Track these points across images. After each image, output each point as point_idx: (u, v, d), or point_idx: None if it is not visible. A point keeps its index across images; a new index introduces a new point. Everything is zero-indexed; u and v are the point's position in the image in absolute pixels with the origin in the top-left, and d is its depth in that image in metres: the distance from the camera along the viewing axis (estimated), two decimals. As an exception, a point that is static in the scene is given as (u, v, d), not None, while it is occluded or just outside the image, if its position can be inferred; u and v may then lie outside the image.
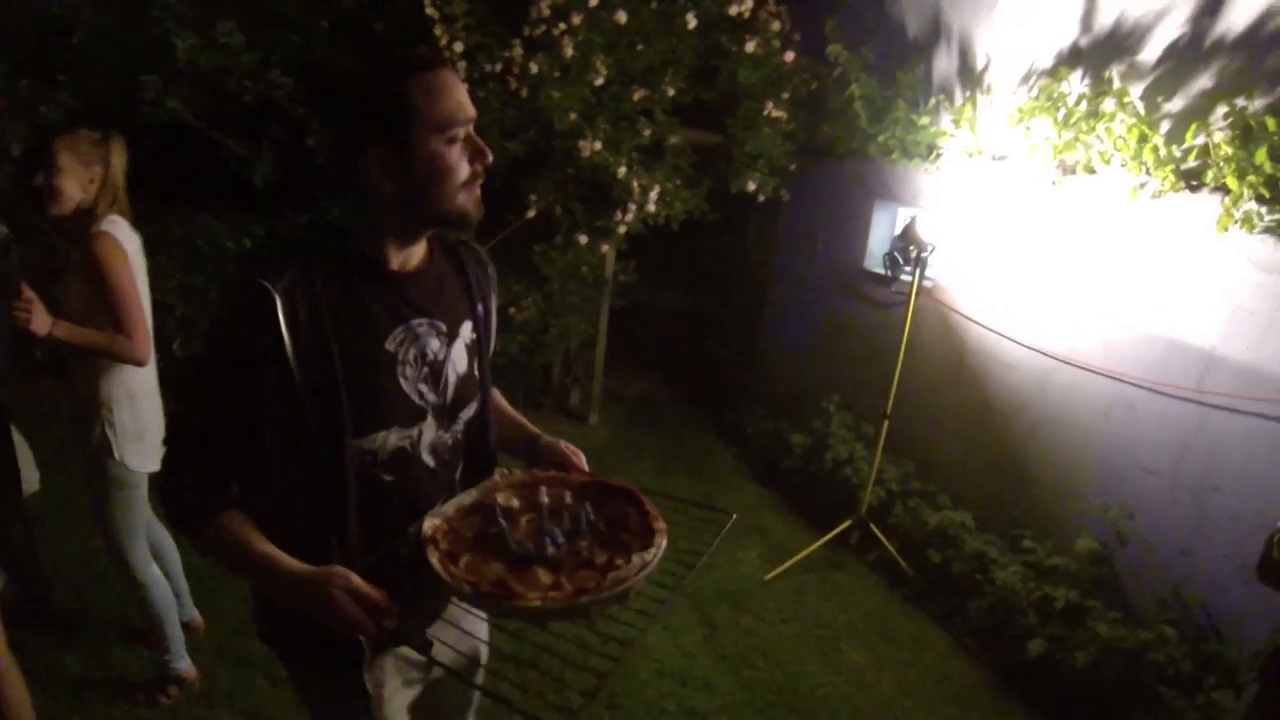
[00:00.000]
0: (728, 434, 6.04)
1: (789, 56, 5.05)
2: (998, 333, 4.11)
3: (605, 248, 5.49)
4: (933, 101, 4.39)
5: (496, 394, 1.71)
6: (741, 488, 5.26)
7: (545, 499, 1.47)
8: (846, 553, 4.37)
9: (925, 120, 4.33)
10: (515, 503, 1.47)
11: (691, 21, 4.92)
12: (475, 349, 1.52)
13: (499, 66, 4.83)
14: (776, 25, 5.02)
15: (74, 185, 2.42)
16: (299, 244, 1.33)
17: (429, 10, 4.67)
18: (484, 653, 1.75)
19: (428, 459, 1.44)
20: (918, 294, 4.08)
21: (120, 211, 2.52)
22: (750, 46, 5.05)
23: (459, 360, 1.47)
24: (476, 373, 1.53)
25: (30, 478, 2.88)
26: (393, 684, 1.49)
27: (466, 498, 1.45)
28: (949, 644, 3.67)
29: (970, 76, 4.29)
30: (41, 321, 2.30)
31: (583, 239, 5.37)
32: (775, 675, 3.39)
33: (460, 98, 1.30)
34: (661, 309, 6.85)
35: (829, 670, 3.45)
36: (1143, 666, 2.95)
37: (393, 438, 1.37)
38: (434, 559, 1.28)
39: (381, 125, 1.26)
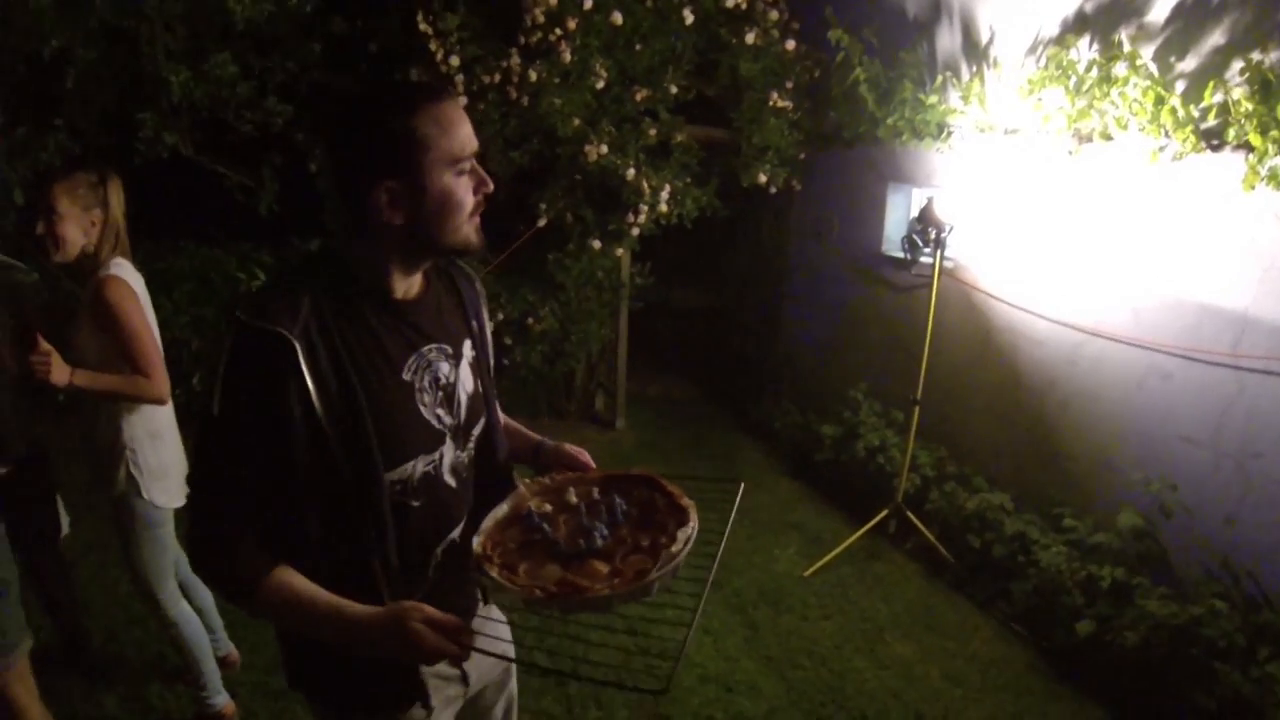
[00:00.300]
0: (755, 430, 6.00)
1: (790, 45, 5.01)
2: (1023, 309, 4.04)
3: (619, 251, 5.47)
4: (939, 79, 4.32)
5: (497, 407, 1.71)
6: (774, 483, 5.21)
7: (575, 498, 1.51)
8: (885, 542, 4.32)
9: (933, 99, 4.26)
10: (547, 507, 1.50)
11: (689, 17, 4.89)
12: (477, 366, 1.53)
13: (497, 77, 4.83)
14: (775, 15, 4.98)
15: (76, 230, 2.41)
16: (304, 281, 1.30)
17: (422, 26, 4.68)
18: (511, 683, 1.77)
19: (450, 480, 1.45)
20: (939, 275, 4.01)
21: (122, 252, 2.51)
22: (750, 38, 5.01)
23: (466, 380, 1.49)
24: (481, 389, 1.54)
25: (61, 522, 2.90)
26: (439, 699, 1.50)
27: (499, 512, 1.47)
28: (995, 629, 3.61)
29: (975, 51, 4.21)
30: (60, 373, 2.30)
31: (596, 244, 5.36)
32: (821, 674, 3.35)
33: (468, 129, 1.30)
34: (679, 308, 6.83)
35: (875, 665, 3.40)
36: (1195, 642, 2.87)
37: (419, 465, 1.38)
38: (494, 573, 1.30)
39: (393, 159, 1.25)
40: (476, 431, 1.53)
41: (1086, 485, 3.73)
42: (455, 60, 4.73)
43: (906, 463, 4.20)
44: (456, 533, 1.51)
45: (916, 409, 4.11)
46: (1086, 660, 3.20)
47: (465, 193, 1.30)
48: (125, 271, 2.47)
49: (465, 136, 1.29)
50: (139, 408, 2.50)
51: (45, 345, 2.29)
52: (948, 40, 4.38)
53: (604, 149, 4.97)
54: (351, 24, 4.92)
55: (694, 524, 1.38)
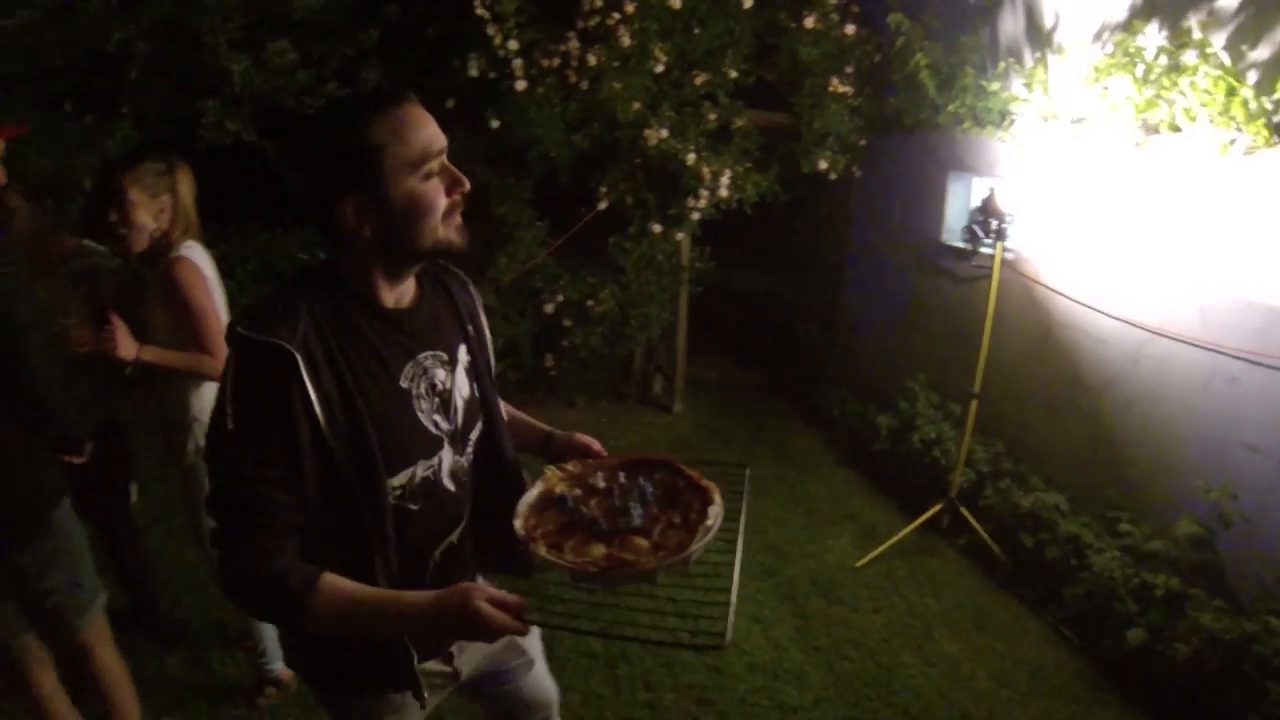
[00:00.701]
0: (812, 417, 5.98)
1: (850, 29, 4.90)
2: (1086, 305, 3.92)
3: (679, 235, 5.48)
4: (1001, 66, 4.19)
5: (501, 402, 1.73)
6: (829, 472, 5.20)
7: (601, 482, 1.58)
8: (937, 537, 4.28)
9: (995, 86, 4.13)
10: (577, 491, 1.56)
11: (747, 1, 4.84)
12: (473, 370, 1.55)
13: (556, 61, 4.84)
14: (834, -3, 4.88)
15: (146, 217, 2.51)
16: (300, 293, 1.31)
17: (479, 11, 4.72)
18: (534, 648, 1.84)
19: (449, 484, 1.48)
20: (1000, 267, 3.93)
21: (193, 235, 2.62)
22: (809, 22, 4.92)
23: (462, 385, 1.51)
24: (478, 393, 1.56)
25: (130, 490, 3.08)
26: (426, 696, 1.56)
27: (530, 497, 1.53)
28: (1044, 632, 3.56)
29: (1039, 36, 4.06)
30: (128, 347, 2.41)
31: (656, 228, 5.37)
32: (868, 667, 3.36)
33: (429, 130, 1.29)
34: (738, 292, 6.80)
35: (922, 661, 3.40)
36: (1247, 659, 2.79)
37: (419, 470, 1.41)
38: (543, 552, 1.36)
39: (351, 173, 1.25)
40: (474, 436, 1.56)
41: (1145, 489, 3.62)
42: (514, 44, 4.75)
43: (962, 457, 4.15)
44: (455, 535, 1.54)
45: (974, 403, 4.05)
46: (1136, 670, 3.14)
47: (435, 195, 1.30)
48: (195, 254, 2.56)
49: (427, 138, 1.28)
50: (206, 384, 2.61)
51: (115, 321, 2.40)
52: (1010, 25, 4.23)
53: (664, 133, 4.96)
54: (407, 10, 4.96)
55: (720, 501, 1.47)
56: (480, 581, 1.37)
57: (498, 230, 5.39)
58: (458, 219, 1.34)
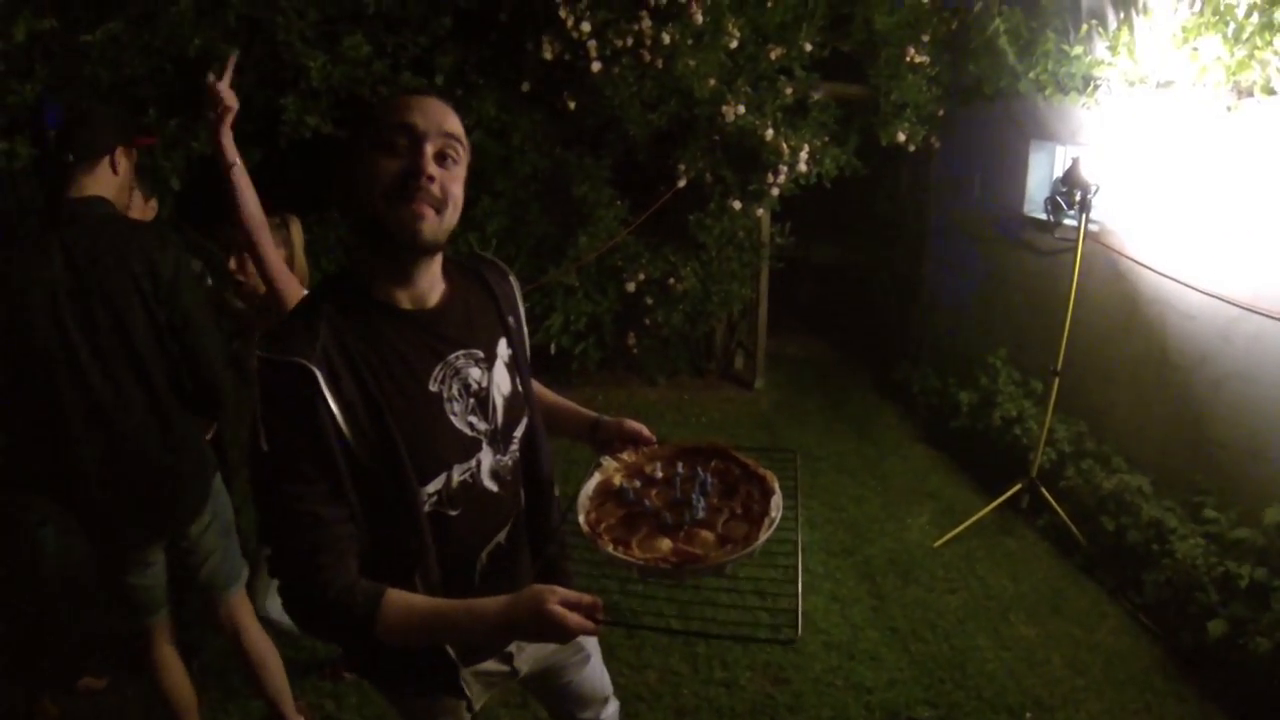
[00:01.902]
0: (892, 392, 5.90)
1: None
2: (1174, 279, 3.74)
3: (759, 211, 5.44)
4: (1084, 28, 3.99)
5: (541, 389, 1.72)
6: (909, 449, 5.14)
7: (660, 472, 1.59)
8: (1017, 518, 4.20)
9: (1078, 50, 3.95)
10: (636, 483, 1.57)
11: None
12: (514, 365, 1.50)
13: (630, 41, 4.84)
14: (908, -37, 4.72)
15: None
16: (320, 306, 1.30)
17: None
18: (590, 643, 1.83)
19: (490, 485, 1.45)
20: (1084, 239, 3.78)
21: (306, 285, 2.78)
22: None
23: (502, 382, 1.46)
24: (520, 388, 1.51)
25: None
26: (477, 690, 1.59)
27: (588, 488, 1.54)
28: (1122, 620, 3.47)
29: (1124, -2, 3.85)
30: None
31: (736, 204, 5.35)
32: (943, 649, 3.34)
33: (408, 109, 1.27)
34: (818, 266, 6.72)
35: (997, 645, 3.36)
36: (1335, 656, 2.68)
37: (455, 475, 1.37)
38: (610, 548, 1.38)
39: (341, 151, 1.30)
40: (518, 433, 1.51)
41: (1233, 474, 3.47)
42: (586, 26, 4.77)
43: (1043, 436, 4.04)
44: (502, 536, 1.50)
45: (1056, 380, 3.93)
46: (1215, 663, 3.04)
47: (381, 167, 1.25)
48: None
49: (398, 112, 1.26)
50: None
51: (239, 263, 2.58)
52: (1093, -15, 4.03)
53: (741, 109, 4.92)
54: None
55: (779, 490, 1.47)
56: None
57: (577, 210, 5.45)
58: (419, 207, 1.26)
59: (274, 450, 1.22)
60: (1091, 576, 3.74)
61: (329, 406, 1.22)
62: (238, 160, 2.19)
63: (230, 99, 2.18)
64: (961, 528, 4.06)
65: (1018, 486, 4.12)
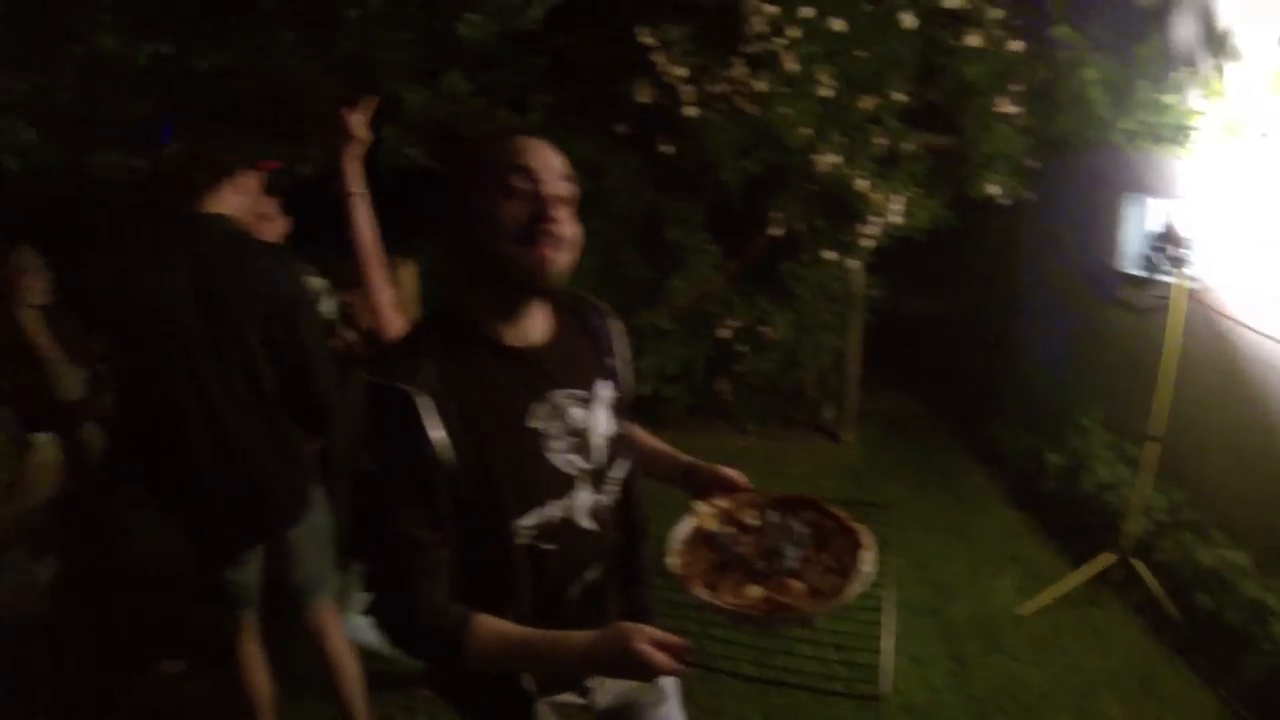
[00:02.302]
0: (981, 450, 5.67)
1: (1014, 45, 4.64)
2: (1277, 340, 3.50)
3: (852, 263, 5.39)
4: (1176, 76, 3.82)
5: (640, 431, 1.73)
6: (996, 510, 4.93)
7: (753, 520, 1.59)
8: (1108, 589, 3.94)
9: (1171, 98, 3.79)
10: (730, 529, 1.58)
11: (908, 20, 4.71)
12: (615, 406, 1.53)
13: (724, 87, 4.89)
14: (996, 12, 4.63)
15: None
16: (427, 337, 1.35)
17: (645, 39, 4.85)
18: (669, 683, 1.79)
19: (586, 523, 1.46)
20: (1181, 297, 3.59)
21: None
22: (972, 39, 4.72)
23: (602, 422, 1.48)
24: (620, 430, 1.53)
25: None
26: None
27: (681, 532, 1.55)
28: (1217, 708, 3.19)
29: (1217, 40, 3.67)
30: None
31: (829, 254, 5.31)
32: (1025, 723, 3.14)
33: (530, 156, 1.30)
34: (908, 317, 6.56)
35: (1083, 725, 3.16)
36: None
37: (550, 510, 1.39)
38: (701, 593, 1.39)
39: (449, 187, 1.34)
40: (616, 474, 1.52)
41: (1343, 553, 3.18)
42: (681, 71, 4.87)
43: (1137, 505, 3.81)
44: (594, 573, 1.51)
45: (1152, 445, 3.71)
46: (1317, 761, 2.77)
47: (503, 210, 1.29)
48: None
49: (515, 153, 1.30)
50: None
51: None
52: (1184, 29, 3.86)
53: (834, 158, 4.90)
54: (572, 37, 5.12)
55: (873, 546, 1.47)
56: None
57: (671, 254, 5.51)
58: (547, 250, 1.30)
59: (377, 472, 1.29)
60: (1186, 658, 3.47)
61: (431, 434, 1.26)
62: (360, 190, 2.28)
63: (363, 132, 2.30)
64: (1049, 596, 3.86)
65: (1109, 556, 3.88)
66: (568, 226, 1.33)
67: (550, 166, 1.32)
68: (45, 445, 2.80)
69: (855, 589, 1.35)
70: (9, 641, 2.76)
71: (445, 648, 1.27)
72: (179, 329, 2.18)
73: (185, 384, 2.21)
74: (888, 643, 1.36)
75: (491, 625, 1.27)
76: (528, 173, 1.30)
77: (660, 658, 1.17)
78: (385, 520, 1.28)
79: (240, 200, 2.35)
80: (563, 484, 1.41)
